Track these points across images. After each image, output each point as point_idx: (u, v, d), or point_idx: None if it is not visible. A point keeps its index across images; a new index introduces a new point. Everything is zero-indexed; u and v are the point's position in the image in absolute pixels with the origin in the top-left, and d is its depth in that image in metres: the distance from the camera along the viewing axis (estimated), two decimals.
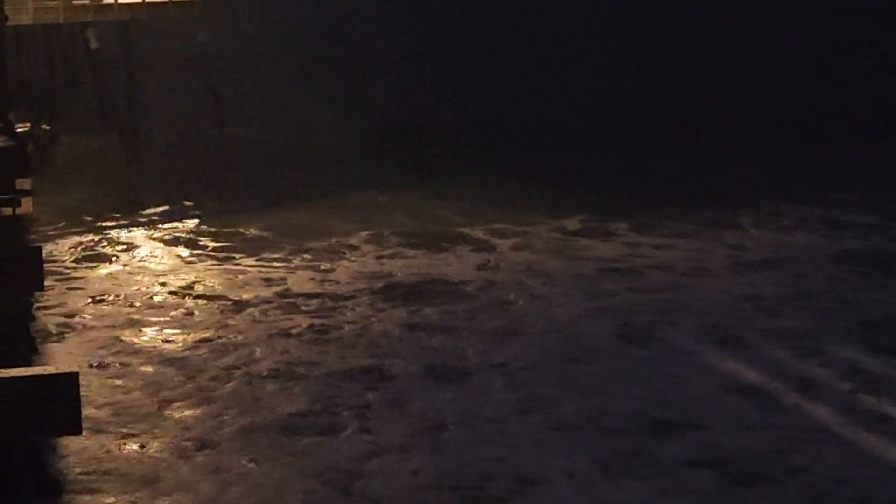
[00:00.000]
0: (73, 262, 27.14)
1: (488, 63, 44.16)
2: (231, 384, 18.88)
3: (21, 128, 17.79)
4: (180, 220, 31.44)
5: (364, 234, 29.68)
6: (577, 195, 33.47)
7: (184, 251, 28.44)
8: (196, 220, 31.49)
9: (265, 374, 19.44)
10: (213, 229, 30.35)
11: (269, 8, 43.82)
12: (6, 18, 21.03)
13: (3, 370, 8.62)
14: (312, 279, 25.57)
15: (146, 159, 38.41)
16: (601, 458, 15.91)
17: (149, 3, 39.95)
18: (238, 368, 19.70)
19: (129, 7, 39.74)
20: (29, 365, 10.82)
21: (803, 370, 19.33)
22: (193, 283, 25.42)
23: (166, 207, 33.05)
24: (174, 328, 22.16)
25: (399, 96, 43.21)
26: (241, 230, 30.26)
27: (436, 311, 23.02)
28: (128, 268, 26.84)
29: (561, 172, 36.66)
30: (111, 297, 24.17)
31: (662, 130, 41.59)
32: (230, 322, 22.46)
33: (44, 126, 35.91)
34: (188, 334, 21.69)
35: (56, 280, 24.59)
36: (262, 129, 40.47)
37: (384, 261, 27.26)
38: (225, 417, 17.34)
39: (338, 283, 25.33)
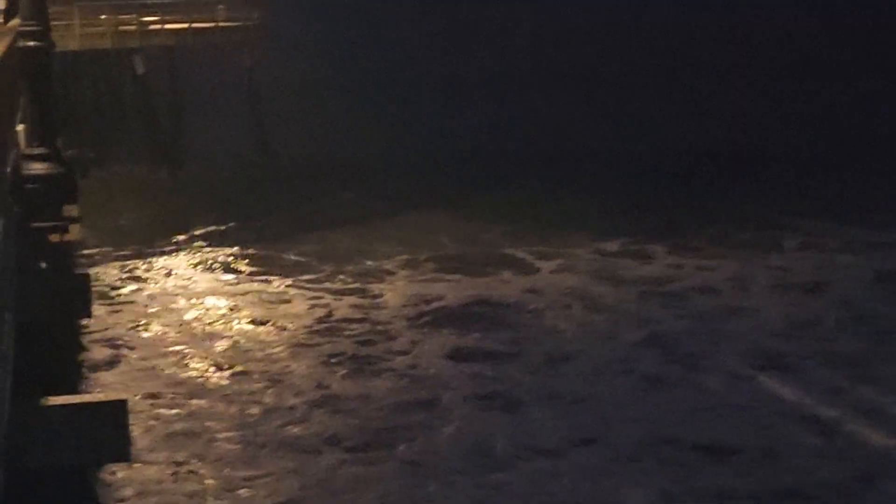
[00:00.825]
0: (117, 285, 27.14)
1: (550, 90, 43.83)
2: (276, 419, 18.77)
3: (68, 154, 17.88)
4: (223, 244, 31.27)
5: (407, 256, 29.51)
6: (615, 218, 33.18)
7: (226, 275, 28.31)
8: (239, 244, 31.35)
9: (314, 403, 19.36)
10: (253, 252, 30.26)
11: (320, 32, 43.05)
12: (53, 45, 21.08)
13: (52, 397, 8.73)
14: (355, 305, 25.37)
15: (191, 183, 38.43)
16: (664, 491, 15.70)
17: (195, 27, 39.90)
18: (284, 400, 19.58)
19: (175, 32, 39.73)
20: (77, 392, 10.85)
21: (863, 396, 19.11)
22: (236, 307, 25.27)
23: (211, 229, 32.99)
24: (218, 357, 22.01)
25: (453, 122, 42.76)
26: (284, 254, 30.15)
27: (481, 339, 22.86)
28: (170, 293, 26.72)
29: (598, 195, 36.34)
30: (155, 324, 24.08)
31: (700, 155, 41.06)
32: (273, 350, 22.32)
33: (90, 153, 35.80)
34: (232, 364, 21.57)
35: (101, 304, 24.44)
36: (306, 153, 40.13)
37: (428, 284, 27.07)
38: (269, 451, 17.35)
39: (382, 308, 25.12)
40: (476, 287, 26.57)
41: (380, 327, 23.69)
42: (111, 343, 22.53)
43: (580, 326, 23.25)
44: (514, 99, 44.01)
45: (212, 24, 40.11)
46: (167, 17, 39.65)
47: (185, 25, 39.78)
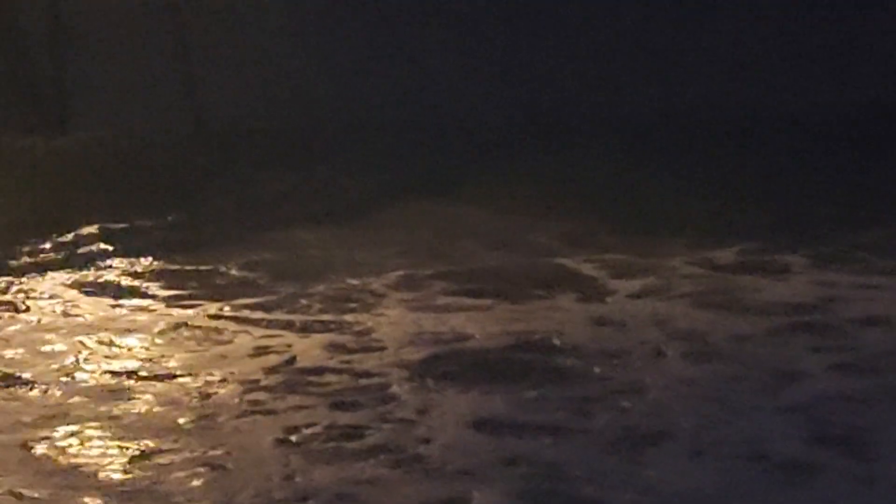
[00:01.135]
0: None
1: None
2: None
3: None
4: (127, 252, 26.44)
5: (408, 270, 24.83)
6: (729, 211, 28.68)
7: (131, 300, 23.87)
8: (152, 251, 26.72)
9: None
10: (175, 265, 25.74)
11: None
12: None
13: None
14: (331, 345, 20.97)
15: (80, 156, 33.51)
16: None
17: None
18: None
19: None
20: None
21: None
22: (144, 352, 20.85)
23: (109, 227, 28.08)
24: (114, 434, 17.61)
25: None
26: (220, 266, 25.52)
27: (526, 401, 18.44)
28: (47, 328, 22.18)
29: (703, 178, 31.47)
30: (20, 379, 19.49)
31: (847, 122, 35.78)
32: (202, 422, 17.99)
33: None
34: (135, 445, 17.31)
35: None
36: (254, 115, 34.98)
37: (441, 315, 22.46)
38: None
39: (370, 349, 20.81)
40: (515, 318, 22.25)
41: (368, 382, 19.28)
42: None
43: (680, 383, 19.18)
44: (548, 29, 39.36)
45: None
46: None
47: None
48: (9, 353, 21.58)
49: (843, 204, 29.96)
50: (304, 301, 23.58)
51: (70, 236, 28.13)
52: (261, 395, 19.36)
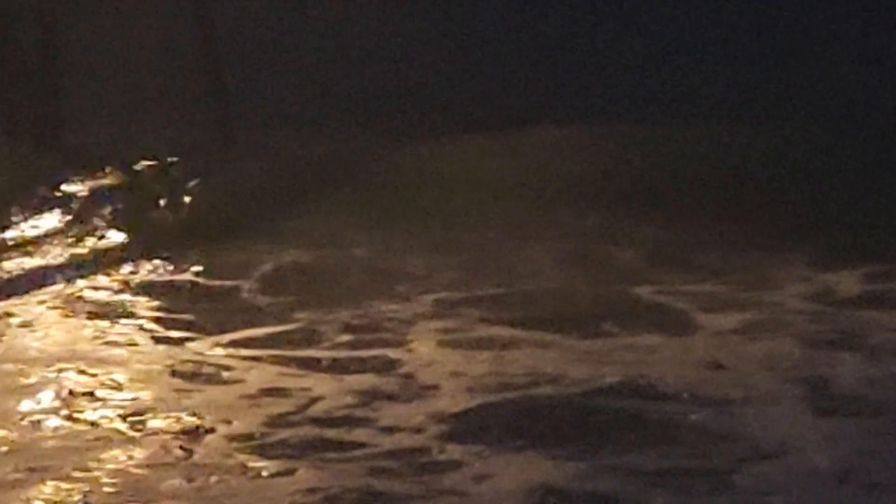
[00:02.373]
0: None
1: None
2: None
3: None
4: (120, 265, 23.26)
5: (454, 294, 21.07)
6: (846, 226, 24.34)
7: (124, 328, 20.18)
8: (148, 264, 23.12)
9: None
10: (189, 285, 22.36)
11: None
12: None
13: None
14: (355, 391, 17.27)
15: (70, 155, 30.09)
16: None
17: None
18: None
19: None
20: None
21: None
22: (139, 395, 17.50)
23: (101, 243, 24.55)
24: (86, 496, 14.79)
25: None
26: (240, 287, 22.15)
27: (606, 468, 14.82)
28: (21, 359, 19.10)
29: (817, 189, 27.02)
30: None
31: None
32: (198, 482, 14.55)
33: None
34: None
35: None
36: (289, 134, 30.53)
37: (496, 353, 18.71)
38: None
39: (410, 399, 17.07)
40: (585, 362, 18.24)
41: (406, 438, 15.82)
42: None
43: (799, 440, 15.58)
44: None
45: None
46: None
47: None
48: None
49: None
50: (329, 329, 20.01)
51: (46, 259, 24.94)
52: (266, 452, 15.93)
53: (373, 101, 33.07)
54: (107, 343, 20.10)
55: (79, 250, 25.54)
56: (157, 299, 22.33)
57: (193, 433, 16.60)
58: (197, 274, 23.59)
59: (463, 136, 29.54)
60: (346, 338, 19.91)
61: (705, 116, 30.25)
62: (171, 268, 23.80)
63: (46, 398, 17.67)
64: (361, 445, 16.12)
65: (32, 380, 18.39)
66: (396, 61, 34.99)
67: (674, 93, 32.49)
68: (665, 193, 26.11)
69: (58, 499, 14.70)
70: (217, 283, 23.02)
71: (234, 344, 19.94)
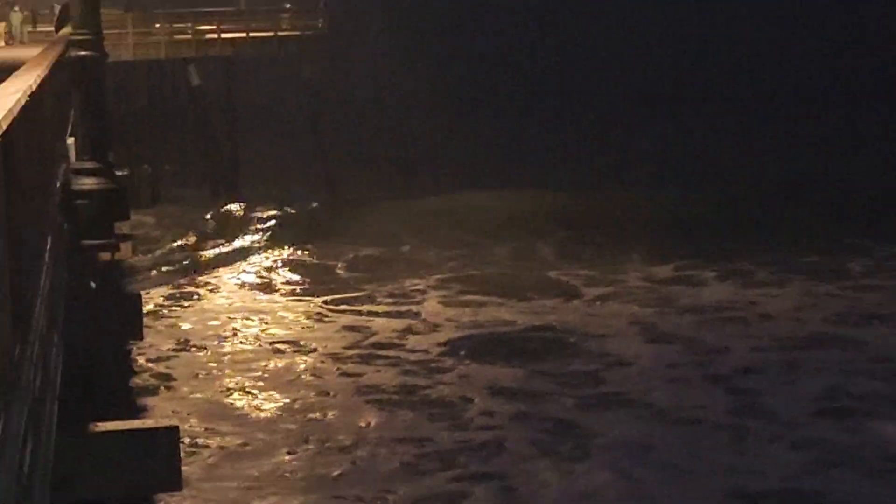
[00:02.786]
0: (165, 304, 27.44)
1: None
2: (313, 450, 18.51)
3: (120, 172, 17.95)
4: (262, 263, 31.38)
5: (450, 274, 29.83)
6: (672, 244, 32.21)
7: (270, 293, 28.74)
8: (277, 256, 31.64)
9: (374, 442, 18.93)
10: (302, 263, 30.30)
11: (391, 42, 41.16)
12: (106, 55, 21.17)
13: (100, 424, 8.80)
14: (394, 329, 25.64)
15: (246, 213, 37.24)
16: None
17: (253, 37, 39.24)
18: (324, 432, 19.37)
19: (233, 42, 39.12)
20: (127, 418, 10.91)
21: None
22: (278, 331, 25.61)
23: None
24: (254, 382, 22.02)
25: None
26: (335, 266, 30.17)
27: (535, 371, 22.58)
28: (215, 311, 26.94)
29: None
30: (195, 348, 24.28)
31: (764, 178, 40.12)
32: (308, 377, 22.34)
33: (145, 167, 35.78)
34: (265, 390, 21.66)
35: (152, 320, 24.59)
36: (378, 183, 38.47)
37: (474, 308, 27.03)
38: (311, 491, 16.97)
39: (425, 333, 25.31)
40: (524, 312, 26.62)
41: (422, 355, 23.78)
42: (159, 366, 22.75)
43: (639, 358, 23.20)
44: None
45: (270, 34, 39.33)
46: (224, 26, 39.12)
47: (243, 35, 39.20)
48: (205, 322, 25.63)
49: (746, 233, 33.57)
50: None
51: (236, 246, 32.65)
52: (355, 360, 23.05)
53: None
54: (260, 300, 27.81)
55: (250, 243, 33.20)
56: (291, 272, 30.07)
57: (306, 351, 23.45)
58: (311, 256, 31.55)
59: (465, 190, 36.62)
60: (390, 300, 27.42)
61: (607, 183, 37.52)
62: (299, 253, 31.66)
63: (227, 332, 24.90)
64: (397, 358, 23.17)
65: (218, 322, 25.79)
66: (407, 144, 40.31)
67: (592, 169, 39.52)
68: (570, 224, 33.88)
69: (234, 385, 21.56)
70: (322, 262, 30.80)
71: (330, 302, 27.26)
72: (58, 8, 28.98)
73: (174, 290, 28.40)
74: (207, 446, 17.83)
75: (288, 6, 40.43)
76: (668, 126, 40.94)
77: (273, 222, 34.26)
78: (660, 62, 42.04)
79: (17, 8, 34.01)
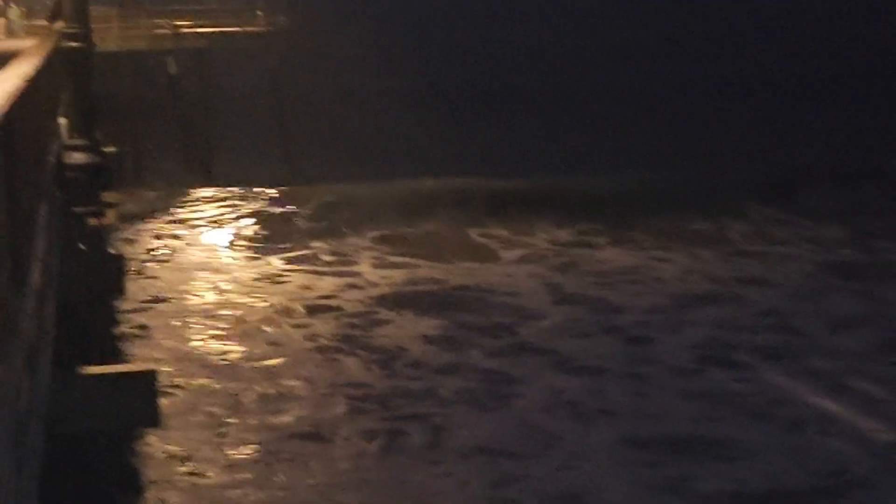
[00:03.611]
0: (142, 261, 27.31)
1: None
2: (262, 388, 18.38)
3: (107, 149, 17.97)
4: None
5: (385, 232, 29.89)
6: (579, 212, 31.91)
7: (226, 253, 28.57)
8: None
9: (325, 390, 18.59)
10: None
11: (353, 38, 39.49)
12: (94, 46, 21.08)
13: (88, 368, 8.85)
14: (337, 285, 25.71)
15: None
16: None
17: (222, 31, 39.39)
18: (275, 377, 19.12)
19: (205, 36, 39.27)
20: (111, 363, 10.95)
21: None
22: (234, 287, 25.57)
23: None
24: (213, 322, 22.14)
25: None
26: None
27: (454, 323, 22.66)
28: (185, 268, 26.88)
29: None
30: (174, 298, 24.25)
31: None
32: (259, 325, 22.30)
33: (127, 147, 35.27)
34: (225, 330, 21.75)
35: (130, 276, 23.80)
36: (333, 170, 37.62)
37: (407, 269, 26.90)
38: (274, 429, 16.91)
39: (363, 288, 25.31)
40: (448, 272, 26.50)
41: (361, 306, 23.93)
42: (140, 316, 22.67)
43: (548, 314, 23.10)
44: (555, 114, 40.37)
45: (238, 29, 39.62)
46: (198, 22, 39.27)
47: (214, 30, 39.35)
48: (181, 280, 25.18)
49: (640, 203, 33.03)
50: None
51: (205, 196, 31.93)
52: (296, 314, 22.78)
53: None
54: (224, 259, 27.65)
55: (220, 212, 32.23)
56: (251, 239, 29.73)
57: (260, 304, 23.52)
58: (269, 223, 31.04)
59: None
60: (332, 258, 27.33)
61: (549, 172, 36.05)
62: (258, 224, 30.83)
63: (194, 287, 24.89)
64: (339, 309, 23.12)
65: (187, 278, 25.71)
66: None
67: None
68: (499, 202, 33.26)
69: (200, 335, 21.54)
70: (278, 226, 30.43)
71: (283, 260, 27.40)
72: (51, 4, 28.57)
73: (150, 249, 28.31)
74: (178, 387, 17.79)
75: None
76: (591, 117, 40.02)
77: (239, 198, 34.10)
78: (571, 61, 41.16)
79: (13, 4, 33.99)
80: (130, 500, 11.56)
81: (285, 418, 15.76)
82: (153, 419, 7.69)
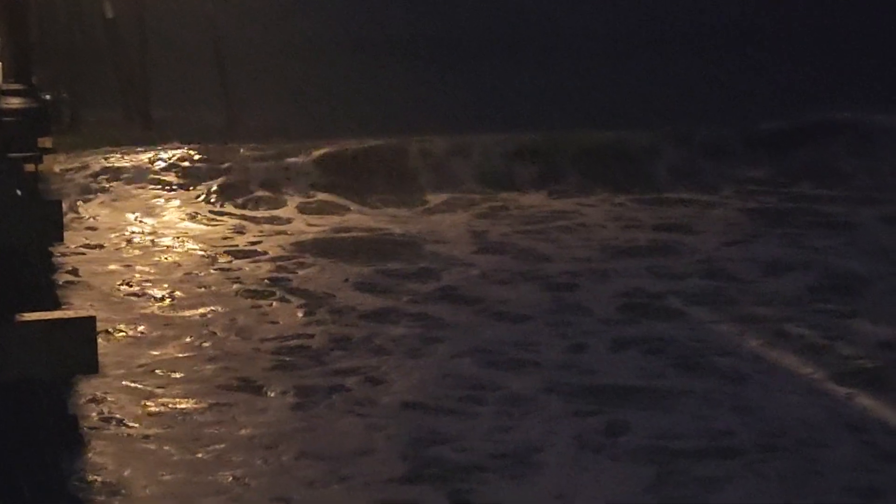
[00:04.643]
0: (77, 206, 27.18)
1: None
2: (194, 343, 18.19)
3: (44, 95, 17.58)
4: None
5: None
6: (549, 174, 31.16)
7: (159, 201, 28.44)
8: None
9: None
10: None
11: None
12: None
13: (25, 314, 8.58)
14: (261, 231, 25.98)
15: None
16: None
17: None
18: (203, 326, 18.80)
19: None
20: (49, 310, 10.68)
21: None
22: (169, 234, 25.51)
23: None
24: (150, 262, 22.18)
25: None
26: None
27: (378, 270, 22.59)
28: (119, 213, 26.77)
29: None
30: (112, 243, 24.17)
31: None
32: (196, 271, 22.11)
33: (63, 94, 34.65)
34: (159, 276, 21.61)
35: (70, 221, 24.31)
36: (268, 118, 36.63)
37: (338, 216, 27.09)
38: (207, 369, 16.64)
39: (292, 233, 25.52)
40: (377, 217, 26.66)
41: (285, 252, 24.03)
42: (76, 261, 22.45)
43: (470, 262, 23.05)
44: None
45: None
46: None
47: None
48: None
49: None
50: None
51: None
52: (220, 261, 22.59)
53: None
54: (158, 200, 27.68)
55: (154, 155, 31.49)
56: (185, 181, 29.49)
57: (193, 249, 23.52)
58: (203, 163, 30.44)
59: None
60: (262, 206, 27.51)
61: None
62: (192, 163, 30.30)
63: (128, 233, 24.64)
64: (265, 253, 23.22)
65: (121, 223, 25.50)
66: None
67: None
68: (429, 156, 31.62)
69: (132, 280, 21.47)
70: (211, 173, 29.65)
71: (213, 203, 27.51)
72: None
73: (86, 194, 28.27)
74: (110, 332, 17.59)
75: None
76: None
77: (175, 147, 33.18)
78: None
79: None
80: (69, 448, 11.48)
81: (214, 368, 15.60)
82: (91, 366, 7.38)
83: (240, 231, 24.74)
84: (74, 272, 21.48)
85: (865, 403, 13.62)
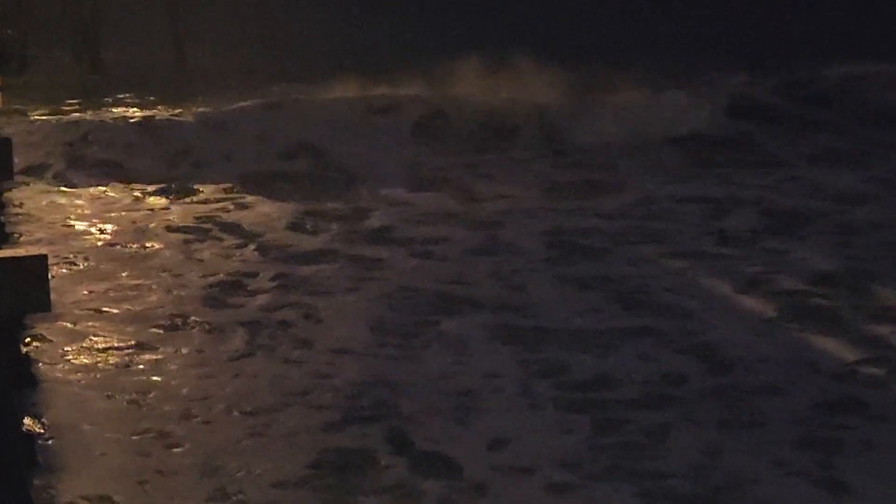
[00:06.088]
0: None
1: None
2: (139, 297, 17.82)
3: None
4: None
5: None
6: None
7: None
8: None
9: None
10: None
11: None
12: None
13: None
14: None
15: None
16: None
17: None
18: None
19: None
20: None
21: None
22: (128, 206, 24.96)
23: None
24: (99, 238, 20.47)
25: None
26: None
27: (310, 210, 22.11)
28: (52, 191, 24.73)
29: None
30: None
31: None
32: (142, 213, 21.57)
33: (10, 32, 33.73)
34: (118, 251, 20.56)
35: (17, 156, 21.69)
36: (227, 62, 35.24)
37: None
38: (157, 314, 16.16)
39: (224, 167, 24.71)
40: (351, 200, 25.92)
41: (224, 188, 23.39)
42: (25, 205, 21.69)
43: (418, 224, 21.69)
44: None
45: None
46: None
47: None
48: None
49: None
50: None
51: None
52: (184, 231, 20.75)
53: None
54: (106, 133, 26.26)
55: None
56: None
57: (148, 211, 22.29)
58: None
59: None
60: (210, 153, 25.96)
61: None
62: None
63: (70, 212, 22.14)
64: (203, 193, 22.71)
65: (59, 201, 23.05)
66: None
67: None
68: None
69: (80, 217, 21.08)
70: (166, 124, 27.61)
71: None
72: None
73: (34, 132, 27.09)
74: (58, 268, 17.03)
75: None
76: None
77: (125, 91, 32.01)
78: None
79: None
80: (23, 386, 11.22)
81: (148, 308, 15.07)
82: (44, 304, 7.19)
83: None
84: (21, 206, 21.11)
85: (817, 343, 13.35)
